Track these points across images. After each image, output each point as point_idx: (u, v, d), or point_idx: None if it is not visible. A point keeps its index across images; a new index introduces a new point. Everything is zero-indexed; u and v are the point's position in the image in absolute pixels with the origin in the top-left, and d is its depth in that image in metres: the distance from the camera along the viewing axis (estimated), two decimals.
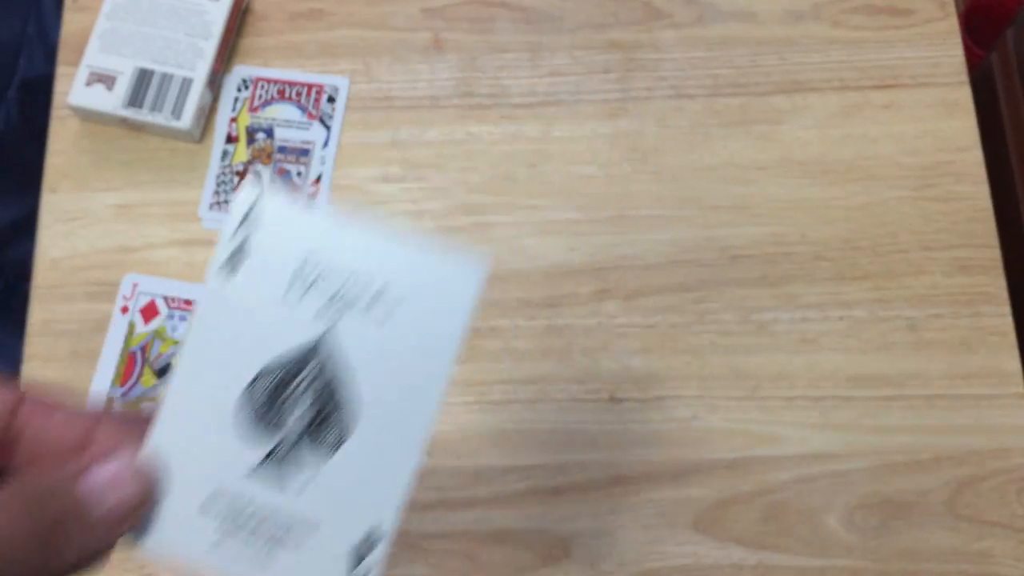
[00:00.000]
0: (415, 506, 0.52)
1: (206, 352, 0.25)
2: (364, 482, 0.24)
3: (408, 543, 0.51)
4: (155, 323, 0.53)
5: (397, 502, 0.24)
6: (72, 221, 0.57)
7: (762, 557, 0.51)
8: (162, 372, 0.52)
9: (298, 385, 0.25)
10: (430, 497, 0.52)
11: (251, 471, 0.24)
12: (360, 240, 0.25)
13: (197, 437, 0.25)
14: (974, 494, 0.52)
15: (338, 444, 0.24)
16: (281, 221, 0.25)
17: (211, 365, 0.25)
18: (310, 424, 0.24)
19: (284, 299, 0.25)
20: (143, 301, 0.53)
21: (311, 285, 0.25)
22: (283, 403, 0.25)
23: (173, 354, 0.52)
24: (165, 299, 0.53)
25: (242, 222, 0.25)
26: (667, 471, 0.53)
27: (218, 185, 0.58)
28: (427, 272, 0.25)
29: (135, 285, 0.54)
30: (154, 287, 0.54)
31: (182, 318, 0.53)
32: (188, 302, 0.53)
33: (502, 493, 0.52)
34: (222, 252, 0.24)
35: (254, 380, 0.25)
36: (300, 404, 0.25)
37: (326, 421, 0.24)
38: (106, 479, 0.24)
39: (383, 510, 0.24)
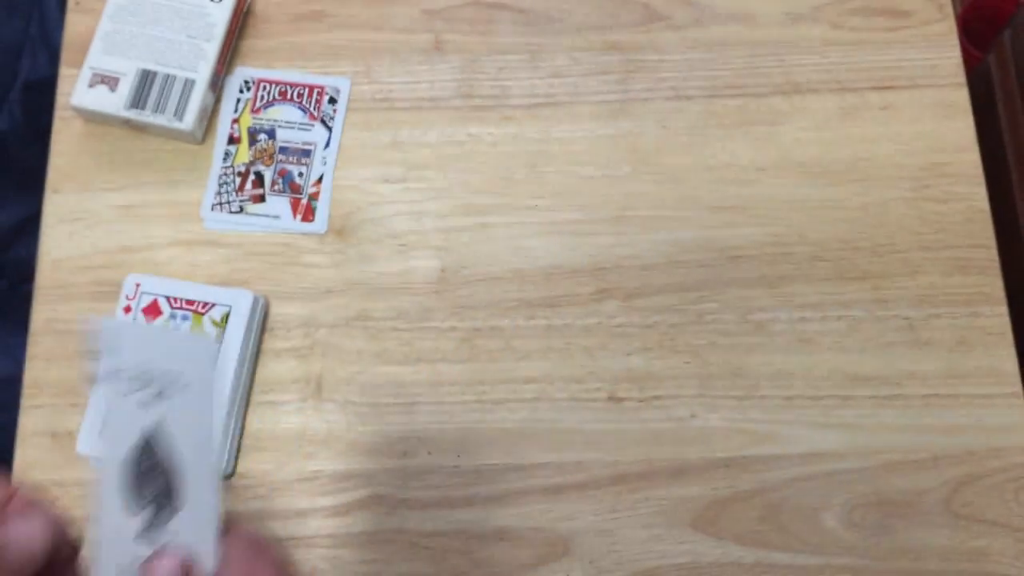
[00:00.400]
0: (416, 504, 0.52)
1: (109, 449, 0.33)
2: (192, 513, 0.33)
3: (409, 541, 0.52)
4: (158, 323, 0.53)
5: (212, 529, 0.33)
6: (75, 221, 0.58)
7: (760, 556, 0.52)
8: None
9: (150, 466, 0.33)
10: (431, 495, 0.52)
11: (140, 537, 0.33)
12: (152, 336, 0.34)
13: (114, 511, 0.33)
14: (971, 493, 0.52)
15: (178, 501, 0.33)
16: (122, 342, 0.33)
17: (110, 453, 0.33)
18: (161, 495, 0.33)
19: (126, 398, 0.33)
20: (146, 301, 0.54)
21: (136, 374, 0.33)
22: (145, 479, 0.33)
23: None
24: (167, 299, 0.54)
25: (98, 349, 0.32)
26: (666, 470, 0.53)
27: (220, 186, 0.58)
28: (186, 352, 0.33)
29: (138, 285, 0.54)
30: (156, 287, 0.54)
31: (184, 317, 0.53)
32: (190, 302, 0.54)
33: (502, 492, 0.53)
34: (95, 372, 0.33)
35: (122, 477, 0.33)
36: (154, 482, 0.33)
37: (169, 490, 0.33)
38: (25, 531, 0.31)
39: (208, 547, 0.33)
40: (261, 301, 0.55)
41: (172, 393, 0.33)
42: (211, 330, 0.53)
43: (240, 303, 0.54)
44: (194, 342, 0.34)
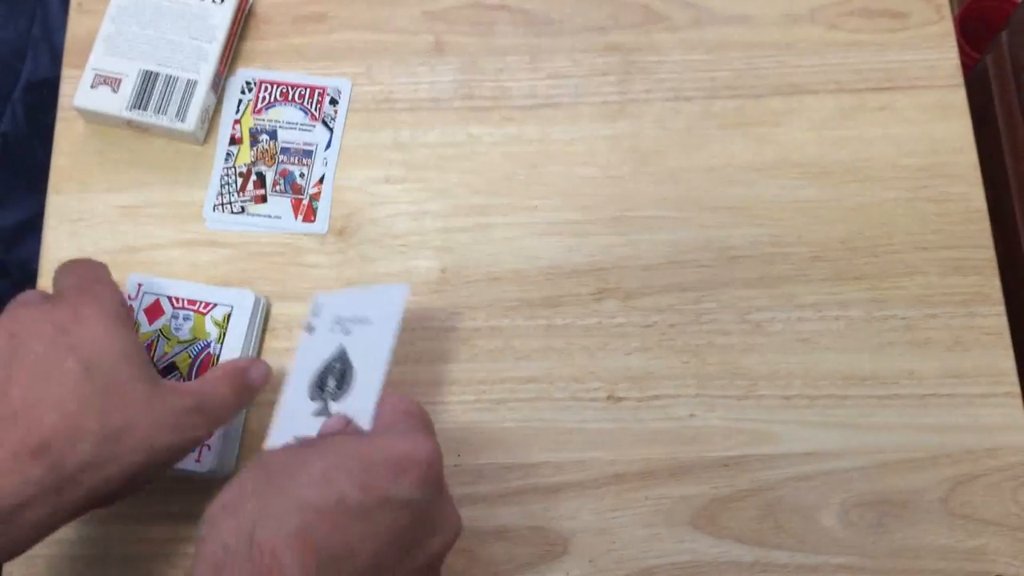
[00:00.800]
0: None
1: (299, 365, 0.46)
2: (361, 400, 0.45)
3: None
4: (160, 323, 0.54)
5: (372, 406, 0.44)
6: (77, 222, 0.58)
7: (759, 554, 0.52)
8: (167, 371, 0.53)
9: (332, 371, 0.46)
10: None
11: (314, 414, 0.45)
12: (349, 296, 0.48)
13: (296, 400, 0.46)
14: (969, 492, 0.53)
15: (347, 392, 0.45)
16: (324, 305, 0.47)
17: (300, 368, 0.46)
18: (336, 388, 0.45)
19: (324, 332, 0.47)
20: (148, 301, 0.54)
21: (332, 323, 0.47)
22: (326, 380, 0.46)
23: (178, 353, 0.53)
24: (169, 299, 0.54)
25: (311, 312, 0.47)
26: (665, 469, 0.53)
27: (222, 186, 0.58)
28: (378, 300, 0.47)
29: (140, 285, 0.54)
30: (158, 287, 0.54)
31: (186, 318, 0.54)
32: (192, 302, 0.54)
33: (502, 491, 0.53)
34: (305, 322, 0.47)
35: (314, 374, 0.46)
36: (332, 379, 0.46)
37: (342, 385, 0.45)
38: (260, 369, 0.49)
39: (367, 413, 0.44)
40: (263, 301, 0.55)
41: (359, 328, 0.46)
42: (213, 330, 0.53)
43: (242, 303, 0.54)
44: (386, 292, 0.47)
